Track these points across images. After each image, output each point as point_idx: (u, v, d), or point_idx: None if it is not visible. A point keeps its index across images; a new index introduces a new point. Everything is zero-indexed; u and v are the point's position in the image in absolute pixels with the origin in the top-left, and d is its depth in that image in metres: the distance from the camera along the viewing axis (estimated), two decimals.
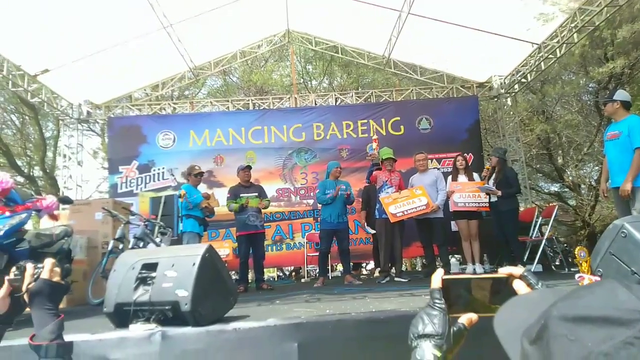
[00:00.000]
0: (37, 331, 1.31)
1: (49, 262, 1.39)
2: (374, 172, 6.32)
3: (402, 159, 7.04)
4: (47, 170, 15.20)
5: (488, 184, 6.01)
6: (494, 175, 6.10)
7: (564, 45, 8.16)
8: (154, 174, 9.17)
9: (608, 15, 7.31)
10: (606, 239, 1.55)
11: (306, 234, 8.92)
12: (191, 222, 5.82)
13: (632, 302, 0.44)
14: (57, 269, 1.41)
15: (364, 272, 11.54)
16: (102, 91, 9.65)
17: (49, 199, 3.91)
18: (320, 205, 6.30)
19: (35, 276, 1.36)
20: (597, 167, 14.52)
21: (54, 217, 4.17)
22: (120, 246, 4.90)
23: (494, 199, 6.01)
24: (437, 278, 0.80)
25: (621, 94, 4.58)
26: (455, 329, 0.76)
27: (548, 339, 0.46)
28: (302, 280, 9.03)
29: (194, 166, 6.26)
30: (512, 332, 0.55)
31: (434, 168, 7.60)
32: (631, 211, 4.22)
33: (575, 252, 4.68)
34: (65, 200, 4.57)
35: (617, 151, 4.41)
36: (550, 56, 8.58)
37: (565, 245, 11.74)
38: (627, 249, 1.48)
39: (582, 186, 15.35)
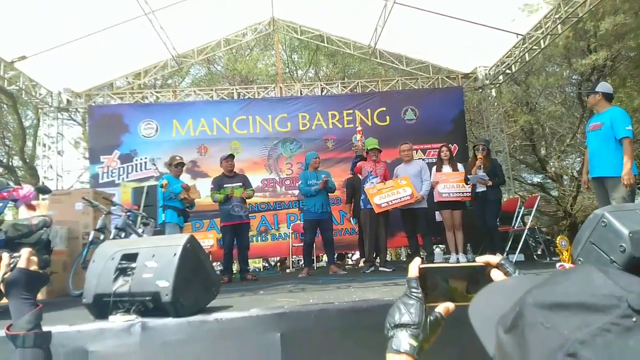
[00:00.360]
0: (15, 321, 1.28)
1: (25, 251, 1.37)
2: (359, 163, 6.31)
3: (387, 150, 7.04)
4: (27, 160, 14.88)
5: (477, 173, 6.02)
6: (481, 166, 6.13)
7: (548, 36, 8.22)
8: (136, 164, 9.04)
9: (591, 7, 7.38)
10: (587, 229, 1.57)
11: (291, 224, 8.89)
12: (170, 213, 5.77)
13: (608, 287, 0.42)
14: (34, 258, 1.38)
15: (349, 262, 11.60)
16: (82, 79, 9.43)
17: (26, 189, 3.82)
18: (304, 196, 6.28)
19: (12, 266, 1.34)
20: (579, 158, 14.76)
21: (32, 207, 4.08)
22: (101, 237, 4.83)
23: (481, 188, 6.05)
24: (414, 267, 0.79)
25: (603, 86, 4.65)
26: (432, 318, 0.75)
27: (523, 328, 0.45)
28: (287, 270, 9.04)
29: (175, 156, 6.20)
30: (487, 320, 0.53)
31: (419, 159, 7.63)
32: (611, 201, 4.30)
33: (557, 242, 4.75)
34: (43, 190, 4.48)
35: (598, 142, 4.48)
36: (535, 47, 8.63)
37: (547, 235, 11.93)
38: (607, 238, 1.49)
39: (565, 177, 15.60)
